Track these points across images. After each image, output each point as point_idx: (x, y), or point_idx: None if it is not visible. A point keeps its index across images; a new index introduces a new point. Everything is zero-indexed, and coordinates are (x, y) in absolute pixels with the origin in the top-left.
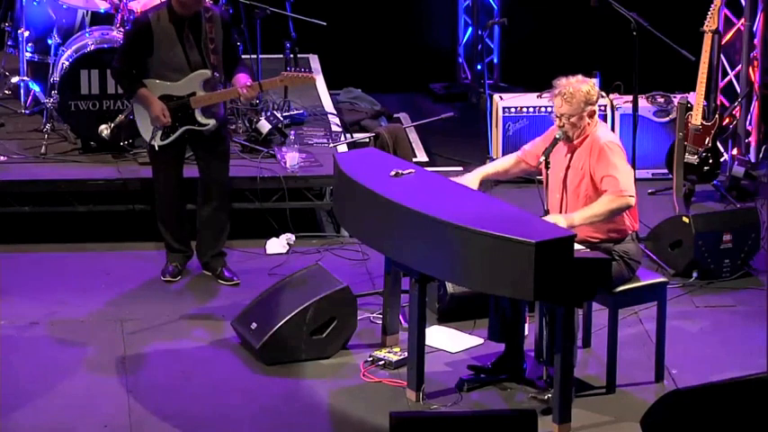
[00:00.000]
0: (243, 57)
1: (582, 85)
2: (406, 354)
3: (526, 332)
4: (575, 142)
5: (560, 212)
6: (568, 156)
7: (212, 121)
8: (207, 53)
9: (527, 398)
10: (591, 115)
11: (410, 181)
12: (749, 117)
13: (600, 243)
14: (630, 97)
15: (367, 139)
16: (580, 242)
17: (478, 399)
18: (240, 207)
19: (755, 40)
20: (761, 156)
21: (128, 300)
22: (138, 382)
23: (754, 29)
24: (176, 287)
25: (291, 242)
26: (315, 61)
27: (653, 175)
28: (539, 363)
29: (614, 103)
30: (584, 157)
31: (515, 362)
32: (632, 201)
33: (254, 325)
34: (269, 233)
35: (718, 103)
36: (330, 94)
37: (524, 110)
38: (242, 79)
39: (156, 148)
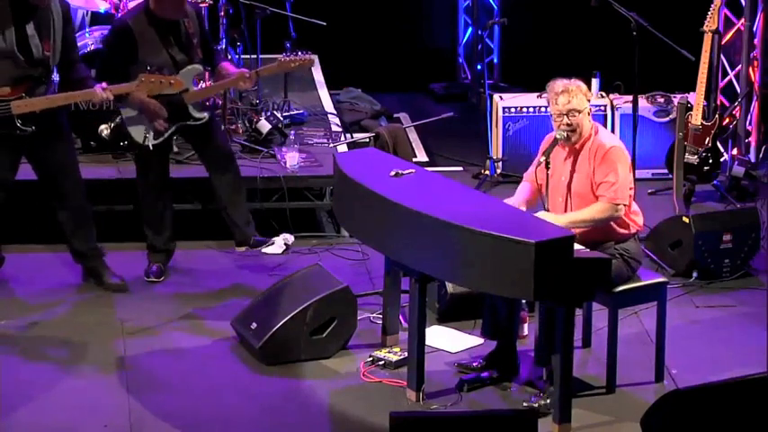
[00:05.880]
0: (243, 56)
1: (579, 82)
2: (406, 354)
3: (525, 332)
4: (576, 145)
5: None
6: (569, 160)
7: (206, 114)
8: (192, 50)
9: (522, 395)
10: (590, 113)
11: (410, 181)
12: (749, 117)
13: (601, 242)
14: (630, 97)
15: (367, 139)
16: (580, 241)
17: (478, 399)
18: None
19: (755, 40)
20: (761, 156)
21: (128, 300)
22: (138, 382)
23: (754, 29)
24: (176, 287)
25: (289, 242)
26: (315, 61)
27: (653, 175)
28: (539, 364)
29: (614, 103)
30: (588, 162)
31: (507, 359)
32: (622, 211)
33: (254, 325)
34: (269, 233)
35: (718, 103)
36: (330, 94)
37: (524, 110)
38: (230, 69)
39: (151, 148)
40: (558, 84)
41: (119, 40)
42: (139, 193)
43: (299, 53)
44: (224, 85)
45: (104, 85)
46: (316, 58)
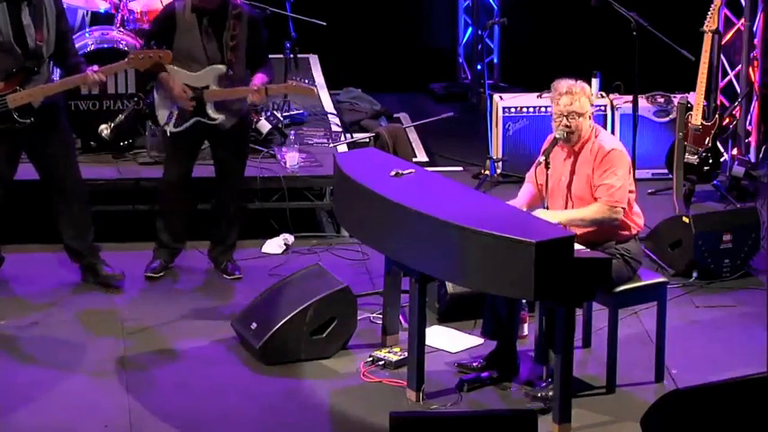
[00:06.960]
0: None
1: (584, 85)
2: (406, 354)
3: (525, 332)
4: (575, 146)
5: None
6: (569, 161)
7: (222, 117)
8: (226, 49)
9: (522, 395)
10: (590, 116)
11: (410, 181)
12: (749, 117)
13: (601, 243)
14: (630, 97)
15: (367, 139)
16: (582, 242)
17: (478, 399)
18: None
19: (755, 40)
20: (761, 156)
21: (128, 300)
22: (139, 382)
23: (754, 29)
24: (176, 287)
25: (289, 242)
26: (315, 61)
27: (653, 175)
28: (539, 363)
29: (614, 103)
30: (588, 164)
31: (507, 359)
32: (620, 214)
33: (254, 325)
34: (269, 233)
35: (718, 103)
36: (330, 94)
37: (524, 110)
38: (257, 80)
39: (168, 134)
40: (563, 84)
41: (160, 20)
42: (160, 182)
43: (307, 81)
44: (237, 91)
45: (95, 67)
46: (319, 76)
